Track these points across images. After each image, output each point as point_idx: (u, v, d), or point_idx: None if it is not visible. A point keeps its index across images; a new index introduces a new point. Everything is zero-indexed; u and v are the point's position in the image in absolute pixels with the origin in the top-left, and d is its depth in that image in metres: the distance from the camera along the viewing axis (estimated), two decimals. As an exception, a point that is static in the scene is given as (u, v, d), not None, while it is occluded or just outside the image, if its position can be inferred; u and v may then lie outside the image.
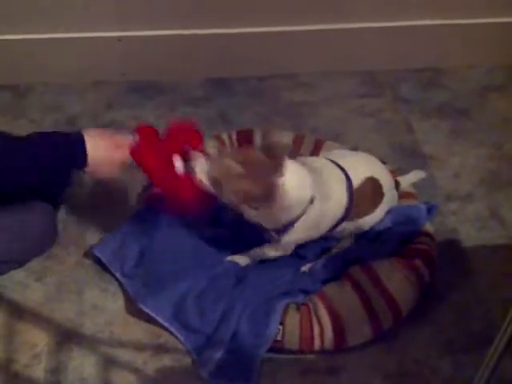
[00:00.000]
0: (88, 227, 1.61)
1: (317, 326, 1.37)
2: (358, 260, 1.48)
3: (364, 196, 1.44)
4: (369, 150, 1.82)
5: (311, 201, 1.33)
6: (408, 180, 1.62)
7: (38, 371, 1.35)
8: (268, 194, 1.26)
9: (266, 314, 1.37)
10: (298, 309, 1.40)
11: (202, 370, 1.35)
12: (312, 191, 1.33)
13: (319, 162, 1.46)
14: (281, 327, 1.37)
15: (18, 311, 1.45)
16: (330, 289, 1.43)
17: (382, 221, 1.50)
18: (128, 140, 1.35)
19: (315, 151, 1.69)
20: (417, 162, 1.81)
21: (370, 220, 1.48)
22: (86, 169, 1.33)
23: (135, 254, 1.49)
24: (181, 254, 1.48)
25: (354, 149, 1.80)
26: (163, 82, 2.00)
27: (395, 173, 1.64)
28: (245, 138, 1.70)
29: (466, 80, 2.07)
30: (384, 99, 2.01)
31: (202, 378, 1.34)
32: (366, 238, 1.50)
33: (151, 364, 1.38)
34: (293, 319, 1.38)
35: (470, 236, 1.65)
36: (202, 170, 1.31)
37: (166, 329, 1.41)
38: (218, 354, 1.36)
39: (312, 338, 1.37)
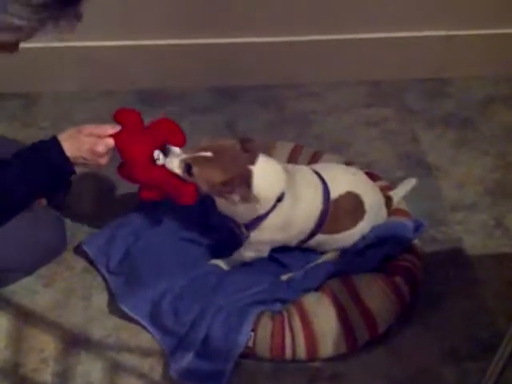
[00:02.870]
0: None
1: (289, 335, 1.37)
2: (339, 273, 1.47)
3: (343, 210, 1.44)
4: (374, 160, 1.84)
5: (280, 198, 1.35)
6: (400, 191, 1.62)
7: (46, 375, 1.37)
8: (234, 181, 1.29)
9: (239, 320, 1.37)
10: (271, 317, 1.40)
11: (171, 370, 1.36)
12: (283, 188, 1.35)
13: (296, 166, 1.49)
14: (252, 334, 1.37)
15: (27, 316, 1.46)
16: (307, 299, 1.43)
17: (366, 236, 1.49)
18: (108, 131, 1.34)
19: (312, 163, 1.66)
20: (422, 172, 1.82)
21: (348, 236, 1.48)
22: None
23: (121, 251, 1.51)
24: (164, 254, 1.50)
25: (359, 158, 1.82)
26: (171, 90, 2.02)
27: (389, 188, 1.63)
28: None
29: (471, 90, 2.08)
30: (389, 109, 2.02)
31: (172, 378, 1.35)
32: (350, 252, 1.50)
33: (158, 369, 1.39)
34: (265, 327, 1.38)
35: (475, 245, 1.65)
36: (175, 157, 1.33)
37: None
38: (189, 357, 1.37)
39: (283, 346, 1.37)
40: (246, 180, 1.30)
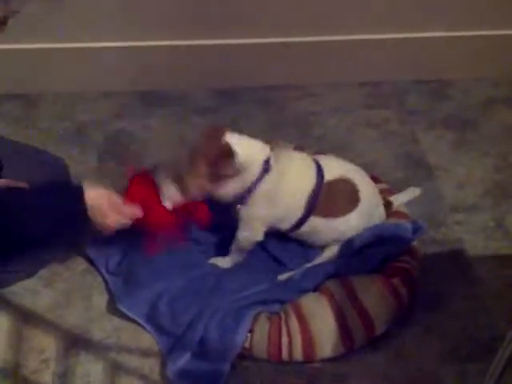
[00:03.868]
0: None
1: (286, 335, 1.37)
2: (337, 274, 1.47)
3: (337, 193, 1.45)
4: (374, 161, 1.84)
5: (266, 169, 1.38)
6: (402, 198, 1.62)
7: (46, 376, 1.37)
8: (218, 157, 1.34)
9: (236, 320, 1.37)
10: (269, 317, 1.40)
11: (168, 370, 1.36)
12: (265, 155, 1.39)
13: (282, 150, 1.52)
14: (249, 334, 1.37)
15: (27, 317, 1.46)
16: (305, 300, 1.43)
17: (364, 236, 1.49)
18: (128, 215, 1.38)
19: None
20: (422, 173, 1.82)
21: (342, 225, 1.48)
22: None
23: (120, 251, 1.52)
24: (162, 254, 1.49)
25: (359, 159, 1.81)
26: (172, 91, 2.02)
27: (389, 191, 1.63)
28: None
29: (471, 91, 2.08)
30: (390, 110, 2.02)
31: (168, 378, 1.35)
32: (348, 253, 1.50)
33: (158, 370, 1.38)
34: (262, 327, 1.38)
35: (476, 246, 1.65)
36: (170, 193, 1.40)
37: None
38: (185, 357, 1.36)
39: (280, 347, 1.37)
40: (228, 151, 1.34)
